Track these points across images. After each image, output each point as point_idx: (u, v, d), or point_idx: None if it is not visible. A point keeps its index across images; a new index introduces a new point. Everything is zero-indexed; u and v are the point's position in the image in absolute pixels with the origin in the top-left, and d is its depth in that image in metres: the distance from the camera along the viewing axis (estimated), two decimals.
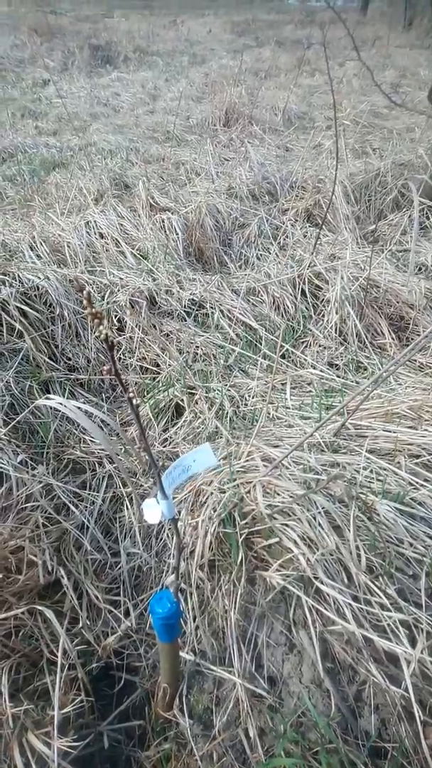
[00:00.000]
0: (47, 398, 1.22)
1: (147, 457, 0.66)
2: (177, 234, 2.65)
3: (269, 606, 1.18)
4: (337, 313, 2.25)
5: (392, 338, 2.22)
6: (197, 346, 2.12)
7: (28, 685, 1.13)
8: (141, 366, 2.09)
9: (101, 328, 0.50)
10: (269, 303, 2.36)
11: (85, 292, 0.48)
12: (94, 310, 0.49)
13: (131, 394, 0.56)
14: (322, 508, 1.24)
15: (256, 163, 3.45)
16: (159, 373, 2.04)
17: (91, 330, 2.09)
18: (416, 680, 1.03)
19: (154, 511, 0.75)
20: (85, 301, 0.48)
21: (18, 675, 1.13)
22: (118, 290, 2.23)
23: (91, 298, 0.50)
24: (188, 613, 1.22)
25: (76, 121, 4.87)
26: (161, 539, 1.43)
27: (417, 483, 1.35)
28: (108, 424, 1.68)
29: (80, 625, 1.23)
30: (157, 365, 2.08)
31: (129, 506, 1.51)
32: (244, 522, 1.26)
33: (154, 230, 2.68)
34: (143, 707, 1.15)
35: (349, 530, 1.20)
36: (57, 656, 1.10)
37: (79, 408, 1.20)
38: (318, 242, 2.66)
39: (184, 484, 1.46)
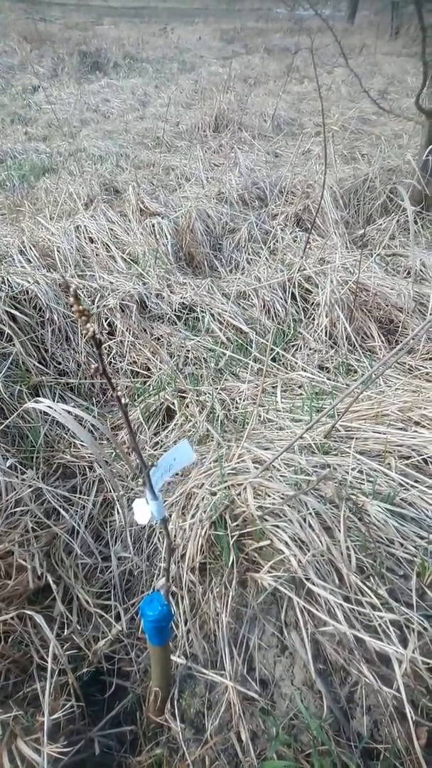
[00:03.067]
0: (36, 401, 1.21)
1: (136, 458, 0.66)
2: (167, 238, 2.66)
3: (261, 608, 1.17)
4: (326, 316, 2.26)
5: (382, 341, 2.24)
6: (188, 350, 2.12)
7: (18, 691, 1.11)
8: (131, 370, 2.09)
9: (88, 325, 0.50)
10: (259, 307, 2.36)
11: (71, 289, 0.48)
12: (81, 307, 0.49)
13: (119, 393, 0.56)
14: (313, 509, 1.24)
15: (246, 168, 3.47)
16: (150, 377, 2.04)
17: (81, 333, 2.09)
18: (408, 680, 1.03)
19: (143, 511, 0.75)
20: (71, 299, 0.48)
21: (7, 681, 1.12)
22: (108, 294, 2.23)
23: (79, 297, 0.50)
24: (179, 616, 1.21)
25: (65, 127, 4.87)
26: (152, 543, 1.43)
27: (407, 484, 1.36)
28: (98, 428, 1.68)
29: (70, 629, 1.22)
30: (148, 369, 2.08)
31: (120, 510, 1.50)
32: (235, 524, 1.26)
33: (145, 235, 2.68)
34: (134, 712, 1.14)
35: (339, 531, 1.20)
36: (47, 661, 1.09)
37: (68, 412, 1.19)
38: (307, 246, 2.67)
39: (174, 484, 1.46)
